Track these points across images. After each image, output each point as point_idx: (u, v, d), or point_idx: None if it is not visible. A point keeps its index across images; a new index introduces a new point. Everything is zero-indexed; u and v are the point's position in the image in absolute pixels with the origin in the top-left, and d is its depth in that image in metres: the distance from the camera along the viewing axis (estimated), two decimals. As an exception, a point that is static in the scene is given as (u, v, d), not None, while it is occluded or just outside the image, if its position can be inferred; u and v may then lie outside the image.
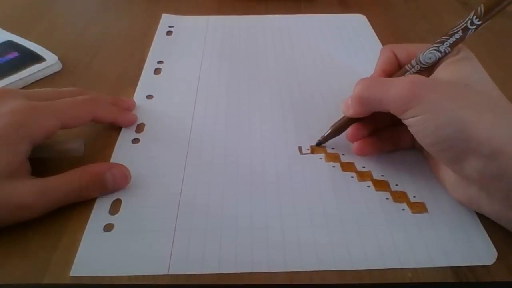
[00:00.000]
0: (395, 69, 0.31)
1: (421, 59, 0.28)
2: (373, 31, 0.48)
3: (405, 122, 0.26)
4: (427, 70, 0.29)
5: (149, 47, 0.45)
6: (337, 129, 0.32)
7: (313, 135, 0.34)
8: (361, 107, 0.29)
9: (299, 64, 0.43)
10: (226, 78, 0.41)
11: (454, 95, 0.25)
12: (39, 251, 0.26)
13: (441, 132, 0.24)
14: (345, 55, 0.45)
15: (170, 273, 0.24)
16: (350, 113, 0.30)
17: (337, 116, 0.32)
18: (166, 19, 0.50)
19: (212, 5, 0.54)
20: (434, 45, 0.28)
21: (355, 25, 0.50)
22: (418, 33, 0.49)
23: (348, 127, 0.31)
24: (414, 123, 0.26)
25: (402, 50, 0.31)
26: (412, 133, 0.27)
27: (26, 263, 0.25)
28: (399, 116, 0.27)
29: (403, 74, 0.30)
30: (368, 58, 0.44)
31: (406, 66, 0.30)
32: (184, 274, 0.24)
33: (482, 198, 0.26)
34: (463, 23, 0.27)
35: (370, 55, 0.44)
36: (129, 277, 0.24)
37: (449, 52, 0.28)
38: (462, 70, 0.27)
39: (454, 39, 0.27)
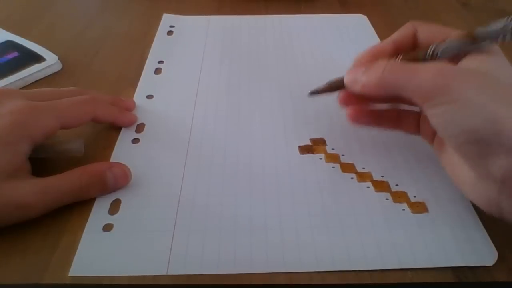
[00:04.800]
0: (408, 47, 0.29)
1: (440, 50, 0.26)
2: (374, 31, 0.48)
3: (428, 111, 0.24)
4: (444, 59, 0.26)
5: (150, 47, 0.45)
6: (332, 86, 0.30)
7: (313, 135, 0.34)
8: (379, 90, 0.26)
9: (299, 64, 0.43)
10: (227, 78, 0.41)
11: (485, 86, 0.23)
12: (39, 251, 0.26)
13: (469, 124, 0.23)
14: (346, 55, 0.44)
15: (169, 273, 0.24)
16: (358, 88, 0.27)
17: (337, 117, 0.32)
18: (167, 19, 0.50)
19: (213, 5, 0.54)
20: (460, 40, 0.26)
21: (356, 25, 0.50)
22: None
23: (342, 88, 0.30)
24: (439, 113, 0.24)
25: (426, 30, 0.29)
26: (433, 123, 0.25)
27: (26, 263, 0.25)
28: (421, 106, 0.25)
29: (415, 58, 0.27)
30: (368, 58, 0.43)
31: (419, 53, 0.27)
32: (184, 275, 0.24)
33: (503, 199, 0.24)
34: (499, 32, 0.24)
35: (371, 55, 0.44)
36: (129, 277, 0.24)
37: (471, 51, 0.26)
38: (491, 63, 0.25)
39: (480, 45, 0.25)
